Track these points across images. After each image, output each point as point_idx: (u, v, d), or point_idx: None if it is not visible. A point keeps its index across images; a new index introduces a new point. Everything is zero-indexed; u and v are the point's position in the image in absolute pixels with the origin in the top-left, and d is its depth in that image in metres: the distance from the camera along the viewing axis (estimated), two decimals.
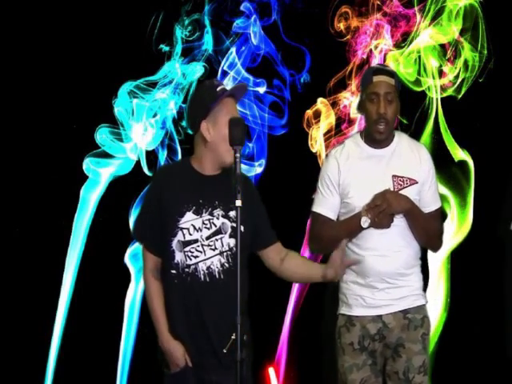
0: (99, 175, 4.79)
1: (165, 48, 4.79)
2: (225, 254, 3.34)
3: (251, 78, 4.84)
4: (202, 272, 3.32)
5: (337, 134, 4.84)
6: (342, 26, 4.79)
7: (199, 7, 4.81)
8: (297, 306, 4.86)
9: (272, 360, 4.88)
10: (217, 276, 3.32)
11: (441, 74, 4.76)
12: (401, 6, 4.76)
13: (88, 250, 4.80)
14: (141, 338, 4.74)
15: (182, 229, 3.33)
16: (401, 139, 3.79)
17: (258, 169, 4.85)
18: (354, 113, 4.83)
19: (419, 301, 3.75)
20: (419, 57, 4.74)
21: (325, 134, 4.84)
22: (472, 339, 4.80)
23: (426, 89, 4.77)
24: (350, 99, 4.83)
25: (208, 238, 3.34)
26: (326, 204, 3.76)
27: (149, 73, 4.77)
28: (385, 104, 3.66)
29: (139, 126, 4.76)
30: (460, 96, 4.76)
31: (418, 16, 4.72)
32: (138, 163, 4.79)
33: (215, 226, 3.35)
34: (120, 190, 4.78)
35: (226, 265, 3.34)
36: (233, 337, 2.95)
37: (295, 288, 4.86)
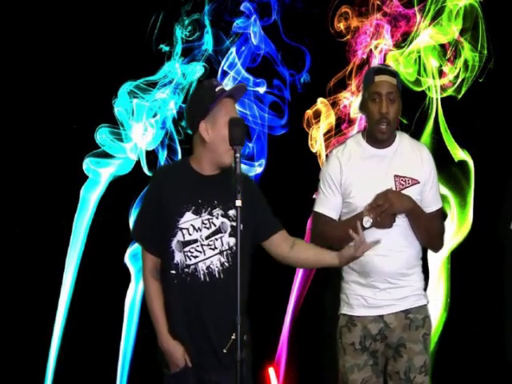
0: (99, 175, 4.79)
1: (165, 48, 4.78)
2: (225, 253, 3.35)
3: (251, 78, 4.84)
4: (201, 272, 3.32)
5: (337, 133, 4.84)
6: (342, 25, 4.79)
7: (199, 7, 4.81)
8: (297, 306, 4.86)
9: (272, 360, 4.87)
10: (217, 276, 3.33)
11: (441, 74, 4.76)
12: (401, 5, 4.76)
13: (88, 249, 4.80)
14: (141, 338, 4.73)
15: (181, 229, 3.33)
16: (402, 139, 3.79)
17: (258, 169, 4.85)
18: (354, 113, 4.83)
19: (421, 301, 3.76)
20: (419, 57, 4.74)
21: (325, 134, 4.84)
22: (472, 339, 4.80)
23: (426, 89, 4.77)
24: (350, 99, 4.82)
25: (208, 237, 3.34)
26: (327, 204, 3.76)
27: (149, 73, 4.77)
28: (387, 104, 3.66)
29: (139, 126, 4.76)
30: (460, 96, 4.76)
31: (418, 16, 4.72)
32: (138, 163, 4.79)
33: (215, 225, 3.35)
34: (120, 190, 4.78)
35: (226, 264, 3.34)
36: (233, 337, 2.95)
37: (295, 288, 4.86)
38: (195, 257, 3.32)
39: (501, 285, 4.72)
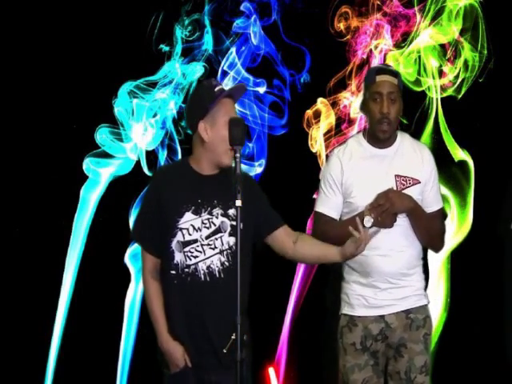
0: (99, 175, 4.79)
1: (165, 48, 4.78)
2: (225, 252, 3.34)
3: (251, 78, 4.84)
4: (202, 272, 3.32)
5: (337, 133, 4.84)
6: (342, 25, 4.79)
7: (199, 7, 4.81)
8: (297, 306, 4.86)
9: (272, 360, 4.87)
10: (217, 275, 3.32)
11: (441, 74, 4.76)
12: (401, 5, 4.76)
13: (88, 250, 4.80)
14: (141, 338, 4.73)
15: (181, 229, 3.33)
16: (403, 139, 3.79)
17: (257, 169, 4.85)
18: (354, 113, 4.83)
19: (421, 301, 3.76)
20: (419, 57, 4.74)
21: (325, 134, 4.84)
22: (472, 339, 4.80)
23: (426, 89, 4.77)
24: (350, 99, 4.82)
25: (207, 237, 3.34)
26: (328, 204, 3.76)
27: (149, 73, 4.77)
28: (388, 104, 3.66)
29: (139, 126, 4.76)
30: (460, 96, 4.76)
31: (418, 16, 4.72)
32: (138, 163, 4.79)
33: (214, 225, 3.35)
34: (120, 190, 4.78)
35: (226, 263, 3.34)
36: (233, 337, 2.95)
37: (295, 288, 4.86)
38: (195, 257, 3.32)
39: (501, 285, 4.72)
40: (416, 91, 4.72)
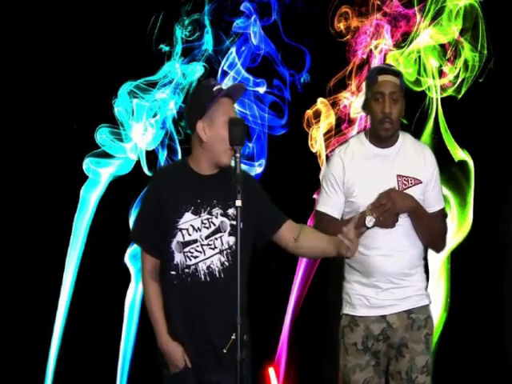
0: (99, 175, 4.79)
1: (165, 48, 4.78)
2: (224, 252, 3.34)
3: (251, 77, 4.84)
4: (202, 272, 3.32)
5: (337, 133, 4.84)
6: (342, 25, 4.79)
7: (199, 7, 4.81)
8: (297, 306, 4.86)
9: (272, 360, 4.87)
10: (217, 275, 3.32)
11: (441, 74, 4.76)
12: (401, 5, 4.76)
13: (88, 249, 4.80)
14: (141, 338, 4.73)
15: (181, 230, 3.33)
16: (405, 139, 3.79)
17: (257, 169, 4.85)
18: (354, 113, 4.83)
19: (423, 301, 3.76)
20: (419, 57, 4.74)
21: (325, 134, 4.84)
22: (472, 339, 4.80)
23: (426, 89, 4.77)
24: (350, 99, 4.83)
25: (207, 237, 3.34)
26: (330, 203, 3.76)
27: (149, 73, 4.77)
28: (390, 103, 3.66)
29: (139, 126, 4.76)
30: (460, 96, 4.76)
31: (418, 16, 4.72)
32: (138, 163, 4.79)
33: (214, 225, 3.35)
34: (120, 190, 4.78)
35: (226, 263, 3.34)
36: (233, 337, 2.95)
37: (295, 288, 4.86)
38: (195, 257, 3.32)
39: (501, 285, 4.72)
40: (416, 91, 4.72)
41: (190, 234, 3.33)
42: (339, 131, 4.84)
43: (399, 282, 3.69)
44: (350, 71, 4.81)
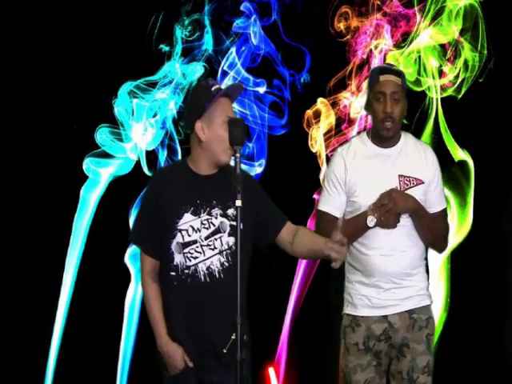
0: (99, 175, 4.79)
1: (165, 48, 4.78)
2: (224, 252, 3.34)
3: (251, 77, 4.84)
4: (202, 272, 3.32)
5: (337, 133, 4.84)
6: (342, 26, 4.79)
7: (199, 7, 4.81)
8: (297, 306, 4.86)
9: (272, 360, 4.87)
10: (217, 276, 3.32)
11: (441, 74, 4.76)
12: (401, 5, 4.76)
13: (88, 249, 4.80)
14: (141, 338, 4.73)
15: (180, 230, 3.32)
16: (407, 139, 3.79)
17: (257, 169, 4.85)
18: (354, 113, 4.83)
19: (425, 301, 3.75)
20: (419, 57, 4.74)
21: (325, 134, 4.84)
22: (472, 339, 4.80)
23: (426, 89, 4.77)
24: (350, 99, 4.83)
25: (207, 237, 3.34)
26: (332, 202, 3.76)
27: (149, 73, 4.77)
28: (391, 103, 3.66)
29: (139, 126, 4.76)
30: (460, 96, 4.76)
31: (418, 16, 4.72)
32: (138, 163, 4.79)
33: (214, 225, 3.34)
34: (120, 190, 4.78)
35: (226, 264, 3.33)
36: (233, 337, 2.95)
37: (295, 288, 4.86)
38: (195, 258, 3.32)
39: (501, 284, 4.72)
40: (416, 91, 4.72)
41: (189, 235, 3.32)
42: (339, 131, 4.84)
43: (401, 282, 3.69)
44: (350, 71, 4.81)
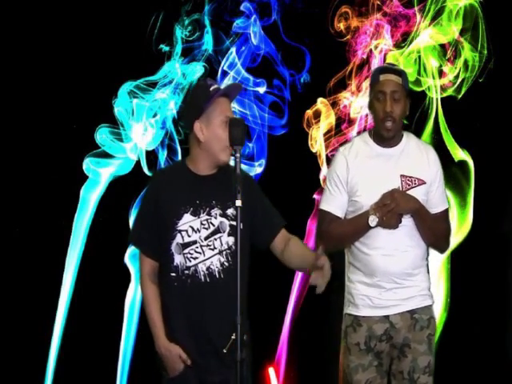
0: (99, 175, 4.79)
1: (165, 48, 4.79)
2: (224, 252, 3.34)
3: (251, 77, 4.84)
4: (202, 273, 3.32)
5: (337, 133, 4.84)
6: (342, 26, 4.79)
7: (199, 7, 4.81)
8: (297, 306, 4.86)
9: (272, 360, 4.87)
10: (217, 276, 3.32)
11: (441, 74, 4.76)
12: (401, 5, 4.76)
13: (88, 249, 4.80)
14: (141, 338, 4.73)
15: (180, 231, 3.32)
16: (409, 139, 3.79)
17: (257, 169, 4.85)
18: (354, 113, 4.83)
19: (426, 301, 3.75)
20: (419, 57, 4.74)
21: (325, 134, 4.84)
22: (472, 339, 4.80)
23: (426, 89, 4.77)
24: (350, 99, 4.83)
25: (207, 238, 3.33)
26: (333, 202, 3.75)
27: (149, 73, 4.77)
28: (391, 102, 3.66)
29: (139, 126, 4.76)
30: (460, 96, 4.76)
31: (418, 16, 4.72)
32: (138, 163, 4.79)
33: (213, 225, 3.34)
34: (120, 190, 4.78)
35: (226, 264, 3.33)
36: (233, 337, 2.95)
37: (295, 288, 4.86)
38: (195, 258, 3.32)
39: (502, 284, 4.73)
40: (416, 91, 4.72)
41: (189, 236, 3.32)
42: (339, 131, 4.84)
43: (402, 282, 3.68)
44: (350, 71, 4.81)
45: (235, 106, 4.76)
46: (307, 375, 4.93)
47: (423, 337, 3.71)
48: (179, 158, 4.75)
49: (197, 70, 4.80)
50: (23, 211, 4.86)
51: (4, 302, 4.82)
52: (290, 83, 4.87)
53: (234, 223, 3.19)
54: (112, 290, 4.77)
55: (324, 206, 3.78)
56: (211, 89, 3.33)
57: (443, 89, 4.76)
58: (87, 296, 4.79)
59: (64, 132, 4.83)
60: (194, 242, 3.32)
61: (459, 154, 4.77)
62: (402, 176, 3.70)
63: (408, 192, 3.67)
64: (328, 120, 4.84)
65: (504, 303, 4.81)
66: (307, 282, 4.80)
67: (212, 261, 3.32)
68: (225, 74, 4.81)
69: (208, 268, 3.32)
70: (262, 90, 4.86)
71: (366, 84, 4.74)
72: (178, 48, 4.79)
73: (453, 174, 4.74)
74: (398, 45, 4.78)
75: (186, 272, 3.31)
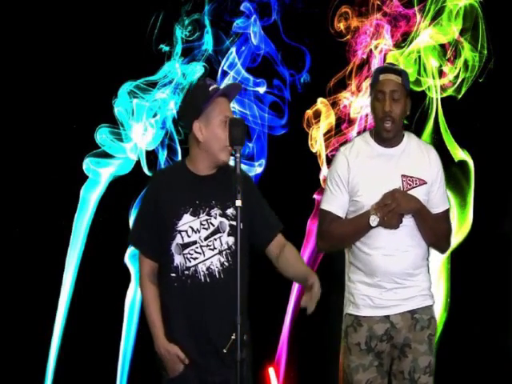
0: (99, 175, 4.79)
1: (165, 48, 4.78)
2: (224, 252, 3.34)
3: (251, 77, 4.84)
4: (201, 273, 3.32)
5: (337, 133, 4.84)
6: (342, 25, 4.79)
7: (199, 7, 4.81)
8: (297, 306, 4.86)
9: (272, 360, 4.87)
10: (217, 276, 3.32)
11: (441, 74, 4.76)
12: (401, 5, 4.76)
13: (88, 250, 4.80)
14: (141, 338, 4.73)
15: (180, 231, 3.32)
16: (410, 139, 3.79)
17: (258, 169, 4.85)
18: (354, 113, 4.83)
19: (427, 301, 3.74)
20: (419, 57, 4.74)
21: (325, 134, 4.84)
22: (472, 339, 4.79)
23: (426, 89, 4.77)
24: (350, 99, 4.83)
25: (206, 238, 3.33)
26: (334, 202, 3.75)
27: (149, 73, 4.77)
28: (390, 102, 3.66)
29: (139, 126, 4.76)
30: (460, 96, 4.76)
31: (418, 16, 4.72)
32: (138, 163, 4.79)
33: (213, 225, 3.34)
34: (120, 190, 4.78)
35: (226, 264, 3.33)
36: (233, 337, 2.95)
37: (295, 288, 4.85)
38: (195, 258, 3.32)
39: (502, 284, 4.73)
40: (416, 91, 4.72)
41: (189, 236, 3.32)
42: (339, 131, 4.84)
43: (403, 282, 3.68)
44: (350, 71, 4.81)
45: (235, 106, 4.76)
46: (307, 375, 4.93)
47: (424, 337, 3.71)
48: (179, 158, 4.75)
49: (197, 69, 4.80)
50: (23, 211, 4.86)
51: (4, 302, 4.82)
52: (290, 83, 4.87)
53: (234, 223, 3.19)
54: (112, 290, 4.77)
55: (325, 206, 3.78)
56: (210, 89, 3.33)
57: (443, 89, 4.76)
58: (87, 296, 4.79)
59: (64, 132, 4.83)
60: (194, 243, 3.32)
61: (459, 153, 4.77)
62: (403, 176, 3.70)
63: (409, 192, 3.66)
64: (328, 120, 4.83)
65: (504, 303, 4.81)
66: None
67: (212, 261, 3.32)
68: (225, 73, 4.81)
69: (208, 268, 3.32)
70: (262, 90, 4.85)
71: (366, 84, 4.74)
72: (178, 48, 4.79)
73: (453, 174, 4.74)
74: (398, 45, 4.78)
75: (186, 272, 3.31)
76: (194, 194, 3.34)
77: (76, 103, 4.80)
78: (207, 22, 4.80)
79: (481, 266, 4.78)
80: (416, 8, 4.73)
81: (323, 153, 4.81)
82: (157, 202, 3.36)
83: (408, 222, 3.67)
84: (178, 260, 3.32)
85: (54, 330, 4.77)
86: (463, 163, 4.77)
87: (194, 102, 3.35)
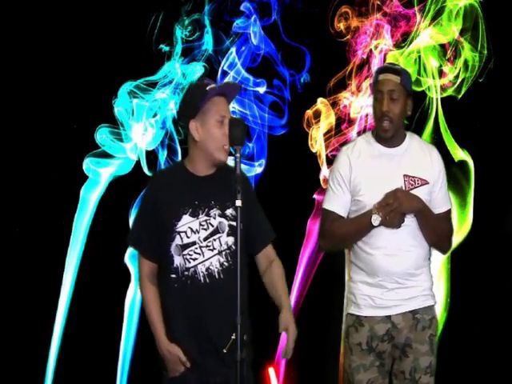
0: (99, 175, 4.79)
1: (165, 48, 4.78)
2: (223, 253, 3.33)
3: (251, 77, 4.84)
4: (201, 274, 3.31)
5: (337, 133, 4.84)
6: (342, 25, 4.79)
7: (199, 7, 4.81)
8: (297, 306, 4.86)
9: (272, 360, 4.87)
10: (216, 276, 3.32)
11: (441, 74, 4.76)
12: (401, 5, 4.76)
13: (88, 249, 4.80)
14: (141, 338, 4.73)
15: (179, 232, 3.32)
16: (412, 139, 3.79)
17: (258, 169, 4.85)
18: (354, 113, 4.83)
19: (428, 301, 3.75)
20: (419, 57, 4.74)
21: (325, 134, 4.84)
22: (472, 339, 4.79)
23: (426, 89, 4.77)
24: (350, 99, 4.82)
25: (206, 238, 3.33)
26: (336, 201, 3.75)
27: (149, 73, 4.77)
28: (388, 102, 3.66)
29: (139, 126, 4.76)
30: (460, 96, 4.76)
31: (418, 16, 4.72)
32: (138, 163, 4.79)
33: (212, 226, 3.34)
34: (120, 190, 4.78)
35: (226, 264, 3.33)
36: (233, 337, 2.95)
37: (295, 288, 4.85)
38: (194, 259, 3.31)
39: (502, 284, 4.72)
40: (416, 91, 4.72)
41: (188, 237, 3.32)
42: (339, 131, 4.84)
43: (404, 282, 3.68)
44: (350, 71, 4.81)
45: (235, 105, 4.76)
46: (307, 375, 4.93)
47: (425, 337, 3.71)
48: (179, 158, 4.75)
49: (197, 69, 4.79)
50: (23, 211, 4.86)
51: (4, 302, 4.82)
52: (290, 83, 4.87)
53: (233, 223, 3.19)
54: (112, 290, 4.77)
55: (327, 206, 3.78)
56: (208, 88, 3.33)
57: (443, 89, 4.76)
58: (87, 296, 4.79)
59: (64, 132, 4.83)
60: (194, 243, 3.32)
61: (459, 153, 4.77)
62: (404, 176, 3.70)
63: (411, 192, 3.66)
64: (328, 120, 4.83)
65: (505, 303, 4.81)
66: (307, 282, 4.82)
67: (211, 261, 3.32)
68: (225, 74, 4.81)
69: (207, 269, 3.32)
70: (261, 90, 4.85)
71: (366, 84, 4.74)
72: (178, 48, 4.79)
73: (453, 174, 4.74)
74: (398, 45, 4.78)
75: (186, 273, 3.31)
76: (193, 194, 3.34)
77: (76, 103, 4.80)
78: (207, 22, 4.80)
79: (481, 266, 4.78)
80: (416, 8, 4.73)
81: (323, 153, 4.81)
82: (156, 202, 3.36)
83: (410, 221, 3.67)
84: (178, 261, 3.32)
85: (54, 330, 4.77)
86: (463, 163, 4.77)
87: (191, 101, 3.35)
